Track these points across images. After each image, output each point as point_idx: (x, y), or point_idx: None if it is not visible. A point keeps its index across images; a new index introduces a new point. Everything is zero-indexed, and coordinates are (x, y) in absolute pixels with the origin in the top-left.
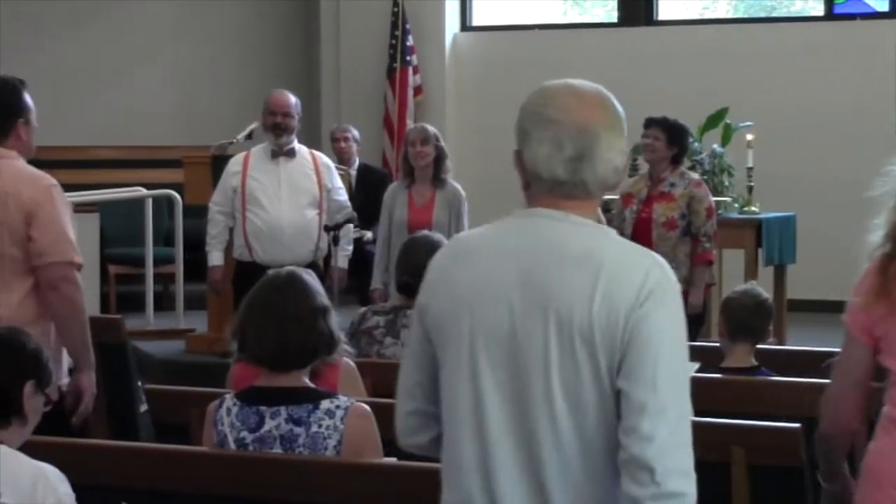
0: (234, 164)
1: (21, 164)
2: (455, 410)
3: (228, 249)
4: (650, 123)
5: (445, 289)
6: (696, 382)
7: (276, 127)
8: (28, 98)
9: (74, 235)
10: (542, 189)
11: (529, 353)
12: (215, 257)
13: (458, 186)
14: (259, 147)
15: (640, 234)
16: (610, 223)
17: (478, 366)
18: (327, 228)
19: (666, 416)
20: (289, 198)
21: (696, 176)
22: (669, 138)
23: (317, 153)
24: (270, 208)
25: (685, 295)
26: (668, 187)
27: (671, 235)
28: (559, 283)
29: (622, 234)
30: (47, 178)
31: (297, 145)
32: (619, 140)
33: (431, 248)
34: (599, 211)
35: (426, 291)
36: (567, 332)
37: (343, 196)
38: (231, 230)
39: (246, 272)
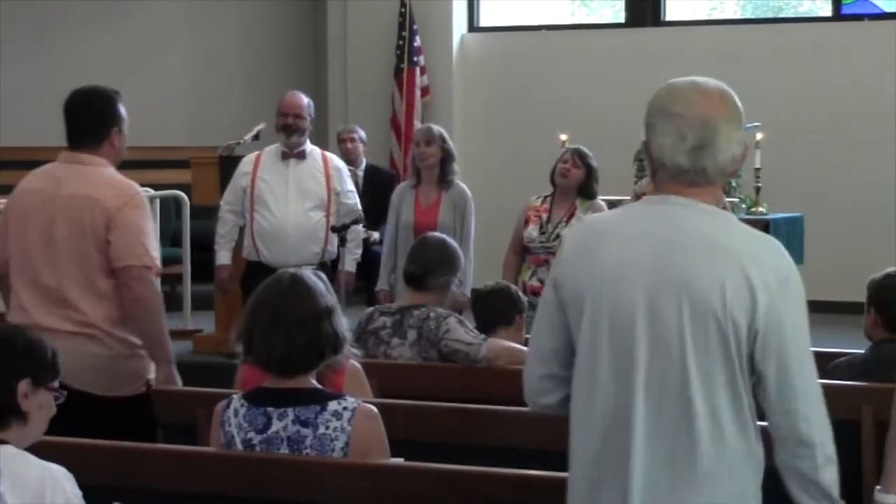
0: (246, 164)
1: (110, 171)
2: (589, 377)
3: (238, 249)
4: None
5: (580, 267)
6: None
7: (286, 127)
8: (122, 108)
9: (155, 242)
10: (665, 176)
11: (665, 332)
12: (223, 256)
13: (465, 187)
14: (272, 147)
15: None
16: None
17: (613, 339)
18: (334, 229)
19: (813, 394)
20: (295, 200)
21: None
22: None
23: (329, 155)
24: (276, 210)
25: None
26: None
27: None
28: (692, 268)
29: None
30: (133, 187)
31: (309, 147)
32: (738, 132)
33: (442, 247)
34: (722, 195)
35: (560, 267)
36: (701, 314)
37: (354, 199)
38: (241, 230)
39: (254, 272)
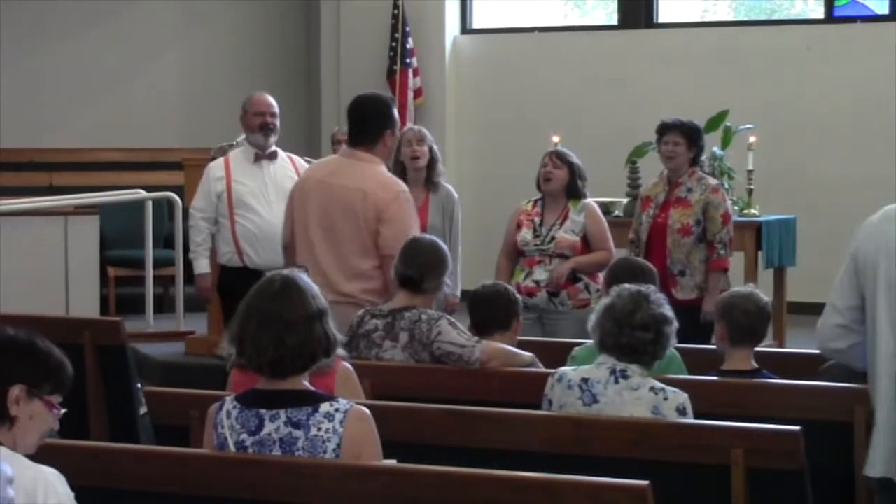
0: (216, 170)
1: (381, 169)
2: (872, 328)
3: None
4: (667, 129)
5: (871, 242)
6: (696, 385)
7: (264, 126)
8: (396, 112)
9: (417, 231)
10: None
11: None
12: (203, 265)
13: (451, 188)
14: (237, 151)
15: (656, 238)
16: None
17: (889, 298)
18: None
19: None
20: (277, 201)
21: (713, 181)
22: (689, 142)
23: (293, 156)
24: (262, 212)
25: (699, 301)
26: (686, 192)
27: (686, 241)
28: None
29: (639, 237)
30: (399, 185)
31: (274, 147)
32: None
33: (436, 250)
34: None
35: (857, 242)
36: None
37: None
38: (212, 236)
39: (235, 277)
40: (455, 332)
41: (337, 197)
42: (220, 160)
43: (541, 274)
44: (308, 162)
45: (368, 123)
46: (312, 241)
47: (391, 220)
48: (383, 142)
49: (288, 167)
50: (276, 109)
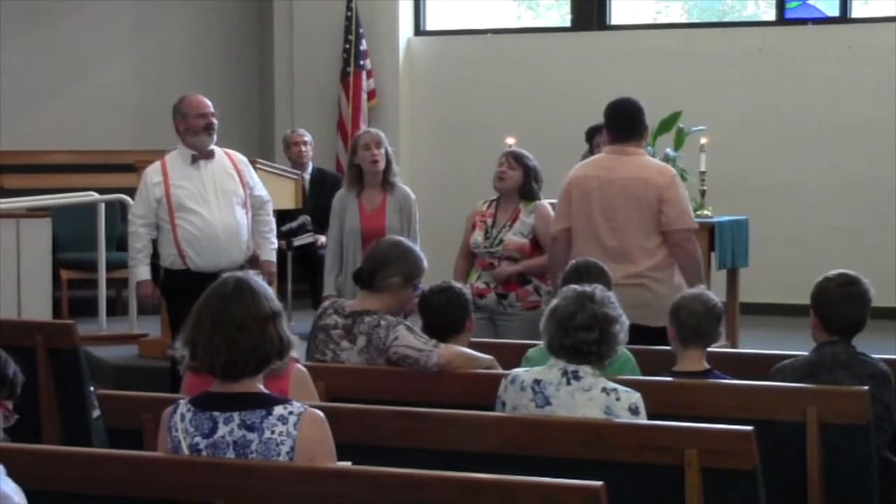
0: (153, 175)
1: (648, 158)
2: None
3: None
4: (594, 131)
5: None
6: (647, 385)
7: (208, 127)
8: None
9: (689, 207)
10: None
11: None
12: (143, 272)
13: (408, 189)
14: (173, 153)
15: None
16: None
17: None
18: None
19: None
20: (217, 201)
21: None
22: None
23: (231, 151)
24: (203, 213)
25: None
26: None
27: None
28: None
29: None
30: (670, 170)
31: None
32: None
33: (393, 246)
34: None
35: None
36: None
37: (263, 191)
38: (153, 241)
39: (179, 280)
40: (412, 336)
41: (618, 188)
42: (157, 164)
43: (490, 276)
44: (254, 163)
45: (636, 122)
46: (598, 231)
47: (671, 200)
48: (644, 136)
49: (226, 164)
50: (213, 108)
